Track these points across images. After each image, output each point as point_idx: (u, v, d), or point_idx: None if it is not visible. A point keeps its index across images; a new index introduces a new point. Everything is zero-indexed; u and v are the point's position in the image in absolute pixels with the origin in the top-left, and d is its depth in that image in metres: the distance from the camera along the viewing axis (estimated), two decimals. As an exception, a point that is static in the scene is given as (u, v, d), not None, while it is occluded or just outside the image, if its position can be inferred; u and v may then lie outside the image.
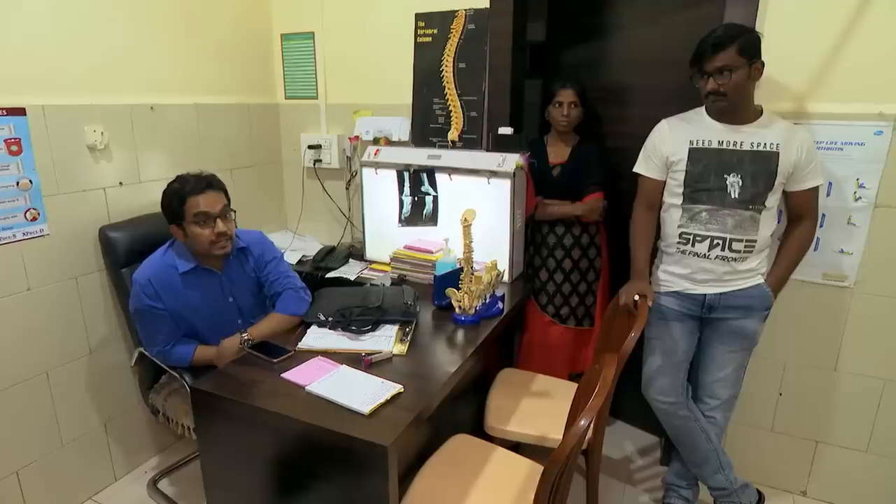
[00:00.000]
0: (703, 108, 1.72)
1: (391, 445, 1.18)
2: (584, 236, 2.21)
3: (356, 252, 2.47)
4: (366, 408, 1.26)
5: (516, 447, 1.70)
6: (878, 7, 1.66)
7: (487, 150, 2.20)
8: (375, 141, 2.43)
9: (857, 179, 1.79)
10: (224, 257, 1.75)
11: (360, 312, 1.74)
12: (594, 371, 1.28)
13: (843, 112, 1.76)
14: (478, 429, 1.77)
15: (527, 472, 1.52)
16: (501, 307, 1.87)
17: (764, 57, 1.60)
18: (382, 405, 1.30)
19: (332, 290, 1.97)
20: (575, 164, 2.20)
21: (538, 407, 1.84)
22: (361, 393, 1.33)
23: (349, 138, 2.54)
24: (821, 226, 1.84)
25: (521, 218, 2.14)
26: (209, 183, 1.67)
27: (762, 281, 1.73)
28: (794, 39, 1.76)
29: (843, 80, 1.74)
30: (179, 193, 1.63)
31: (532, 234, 2.27)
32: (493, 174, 2.05)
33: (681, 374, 1.84)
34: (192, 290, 1.70)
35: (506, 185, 2.04)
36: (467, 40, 2.22)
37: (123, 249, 1.90)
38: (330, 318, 1.72)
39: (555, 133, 2.23)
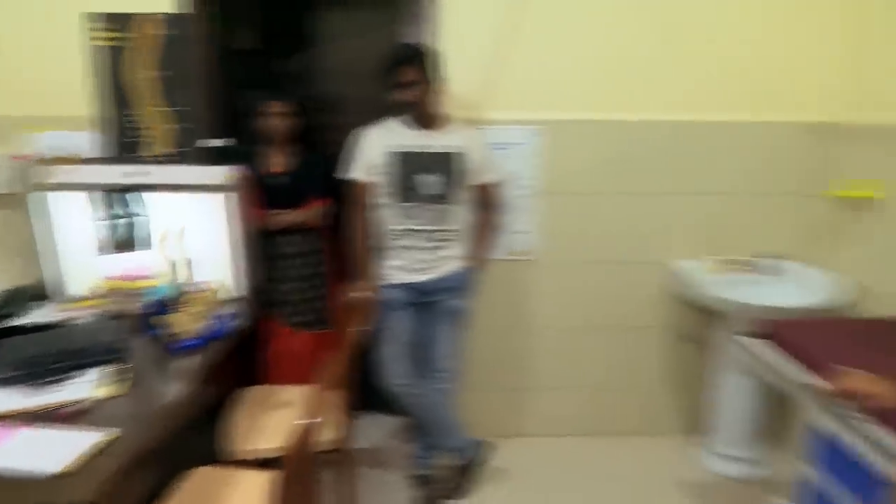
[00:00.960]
0: (400, 117, 1.92)
1: (99, 500, 1.05)
2: (312, 242, 2.25)
3: (48, 291, 2.09)
4: (58, 467, 1.10)
5: (272, 462, 1.66)
6: (527, 33, 2.07)
7: (199, 164, 2.08)
8: (59, 160, 2.08)
9: (524, 173, 2.22)
10: None
11: (54, 360, 1.49)
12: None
13: (508, 118, 2.16)
14: (223, 455, 1.68)
15: (271, 485, 1.50)
16: (229, 324, 1.80)
17: (445, 72, 1.87)
18: (87, 458, 1.14)
19: (17, 341, 1.63)
20: (297, 172, 2.22)
21: (284, 418, 1.83)
22: (55, 452, 1.15)
23: (15, 157, 2.11)
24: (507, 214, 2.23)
25: (243, 231, 2.08)
26: None
27: (464, 264, 2.02)
28: (467, 57, 2.08)
29: (507, 91, 2.13)
30: None
31: (262, 246, 2.23)
32: (206, 188, 1.95)
33: (409, 356, 2.03)
34: None
35: (222, 199, 1.96)
36: (170, 46, 2.05)
37: None
38: (12, 374, 1.43)
39: (273, 143, 2.22)
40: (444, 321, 2.02)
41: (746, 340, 1.68)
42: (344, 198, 2.02)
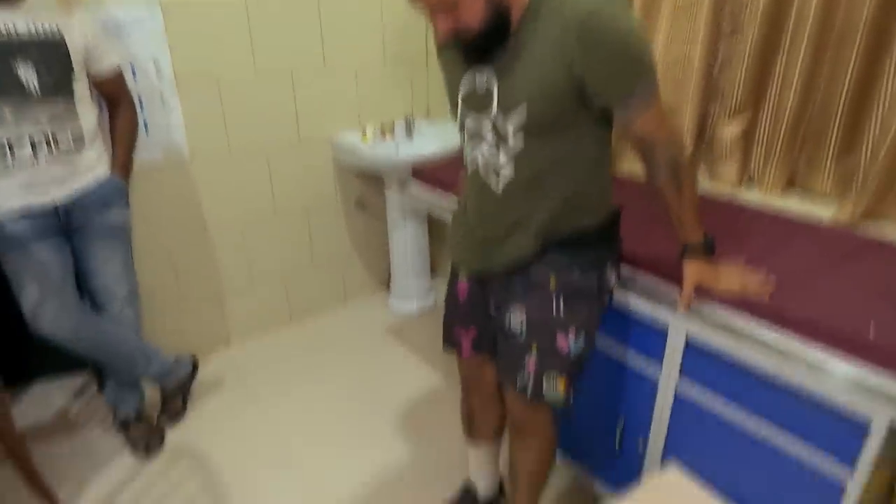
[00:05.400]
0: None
1: None
2: None
3: None
4: None
5: None
6: None
7: None
8: None
9: (154, 59, 1.95)
10: None
11: None
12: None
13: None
14: None
15: None
16: None
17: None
18: None
19: None
20: None
21: None
22: None
23: None
24: (142, 109, 1.96)
25: None
26: None
27: (108, 171, 1.74)
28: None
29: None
30: None
31: None
32: None
33: (68, 292, 1.71)
34: None
35: None
36: None
37: None
38: None
39: None
40: (101, 241, 1.74)
41: (399, 188, 1.97)
42: None
